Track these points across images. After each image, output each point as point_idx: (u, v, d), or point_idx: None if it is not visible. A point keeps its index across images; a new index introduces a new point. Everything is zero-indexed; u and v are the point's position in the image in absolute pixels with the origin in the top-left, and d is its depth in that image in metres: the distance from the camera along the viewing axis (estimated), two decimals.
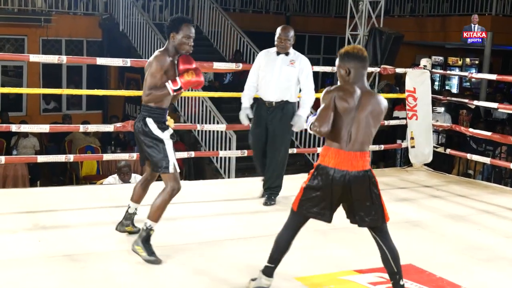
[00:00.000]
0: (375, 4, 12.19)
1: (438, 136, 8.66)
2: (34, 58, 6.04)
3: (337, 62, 3.59)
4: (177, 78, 4.06)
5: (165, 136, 4.10)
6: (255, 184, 6.56)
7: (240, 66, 6.46)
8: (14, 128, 5.89)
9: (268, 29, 17.51)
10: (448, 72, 16.61)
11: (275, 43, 5.61)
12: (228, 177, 10.42)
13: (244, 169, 10.94)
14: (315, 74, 18.88)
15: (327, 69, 7.34)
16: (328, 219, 3.63)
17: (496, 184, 7.67)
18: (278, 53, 5.64)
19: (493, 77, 7.38)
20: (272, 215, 5.29)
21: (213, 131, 11.14)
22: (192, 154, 6.69)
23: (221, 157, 11.01)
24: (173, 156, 4.11)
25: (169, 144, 4.11)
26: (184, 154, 6.76)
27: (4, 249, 4.18)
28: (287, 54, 5.65)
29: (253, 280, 3.73)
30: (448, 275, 4.06)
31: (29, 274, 3.79)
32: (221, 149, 10.89)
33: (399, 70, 7.86)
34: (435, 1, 16.27)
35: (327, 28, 18.03)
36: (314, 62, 20.08)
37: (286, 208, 5.41)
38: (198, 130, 11.62)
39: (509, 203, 6.14)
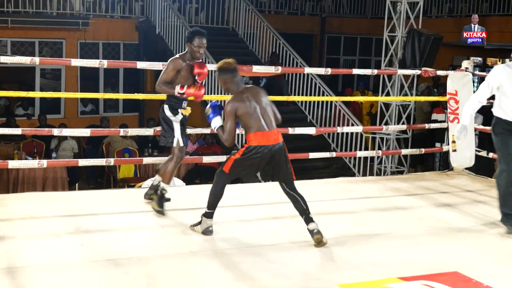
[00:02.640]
0: (413, 4, 12.03)
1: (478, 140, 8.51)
2: (76, 62, 6.09)
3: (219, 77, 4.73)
4: (185, 86, 5.00)
5: (175, 119, 5.12)
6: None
7: (279, 70, 6.42)
8: (56, 132, 5.95)
9: (304, 30, 17.65)
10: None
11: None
12: (264, 181, 10.38)
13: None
14: (351, 76, 18.76)
15: (367, 71, 7.24)
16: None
17: None
18: None
19: None
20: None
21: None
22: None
23: None
24: (178, 133, 5.11)
25: (177, 125, 5.12)
26: (223, 158, 6.73)
27: (48, 253, 4.21)
28: None
29: (195, 225, 4.73)
30: (495, 284, 3.96)
31: (72, 279, 3.81)
32: None
33: (440, 73, 7.73)
34: (474, 1, 16.01)
35: (363, 29, 17.90)
36: (349, 64, 20.04)
37: (323, 213, 5.38)
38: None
39: None
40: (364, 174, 11.20)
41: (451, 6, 16.71)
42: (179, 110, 5.13)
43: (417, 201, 6.06)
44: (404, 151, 9.47)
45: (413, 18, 11.86)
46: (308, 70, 7.82)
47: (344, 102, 12.67)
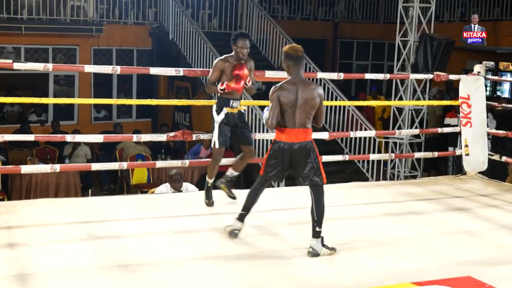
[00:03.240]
0: (425, 9, 12.00)
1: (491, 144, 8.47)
2: (89, 68, 6.13)
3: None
4: (225, 82, 5.29)
5: (217, 120, 5.40)
6: (304, 193, 6.52)
7: None
8: (68, 138, 5.98)
9: (317, 35, 17.66)
10: (504, 78, 16.25)
11: None
12: (278, 186, 10.39)
13: (292, 177, 10.87)
14: (363, 81, 18.72)
15: (380, 76, 7.23)
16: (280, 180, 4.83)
17: None
18: None
19: None
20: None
21: (261, 139, 11.13)
22: None
23: None
24: (216, 135, 5.41)
25: (216, 126, 5.40)
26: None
27: (61, 259, 4.23)
28: None
29: (228, 225, 4.78)
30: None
31: (85, 285, 3.83)
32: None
33: (452, 77, 7.71)
34: (486, 5, 15.95)
35: (376, 34, 17.87)
36: (362, 69, 20.05)
37: (337, 218, 5.37)
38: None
39: None
40: (378, 179, 11.16)
41: (463, 11, 16.66)
42: (225, 108, 5.38)
43: (430, 205, 6.03)
44: (417, 155, 9.45)
45: (425, 23, 11.83)
46: (320, 75, 7.87)
47: (357, 107, 12.65)
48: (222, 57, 5.43)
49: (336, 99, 12.71)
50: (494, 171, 7.88)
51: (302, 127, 4.55)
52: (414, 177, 11.37)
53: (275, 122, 4.55)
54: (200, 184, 9.77)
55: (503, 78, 16.27)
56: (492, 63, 18.87)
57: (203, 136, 6.35)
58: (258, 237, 4.86)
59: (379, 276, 4.12)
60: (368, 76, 7.38)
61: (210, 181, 5.63)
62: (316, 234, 4.50)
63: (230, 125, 5.43)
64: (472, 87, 7.15)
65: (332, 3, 18.07)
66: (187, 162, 6.43)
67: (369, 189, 6.87)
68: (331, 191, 6.56)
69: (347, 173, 11.79)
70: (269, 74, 6.29)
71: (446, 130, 8.20)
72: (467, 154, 7.20)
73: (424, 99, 12.20)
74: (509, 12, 15.35)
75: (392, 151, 11.78)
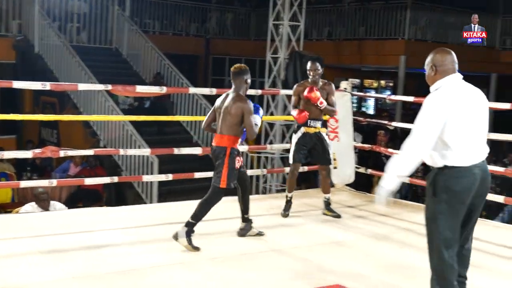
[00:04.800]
0: (294, 28, 12.39)
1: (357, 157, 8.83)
2: None
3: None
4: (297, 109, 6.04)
5: (294, 138, 6.14)
6: (180, 208, 6.47)
7: (164, 89, 6.37)
8: None
9: (189, 51, 17.67)
10: (368, 94, 17.06)
11: None
12: (150, 202, 10.25)
13: (166, 193, 10.80)
14: None
15: (251, 92, 7.30)
16: None
17: (413, 202, 7.87)
18: None
19: (411, 99, 7.59)
20: (198, 239, 5.22)
21: (134, 156, 10.95)
22: (115, 179, 6.49)
23: (143, 182, 10.83)
24: (291, 151, 6.15)
25: (293, 144, 6.12)
26: (107, 180, 6.58)
27: None
28: None
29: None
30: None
31: None
32: (142, 173, 10.72)
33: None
34: (351, 25, 16.70)
35: (247, 51, 18.17)
36: None
37: (210, 233, 5.37)
38: (119, 155, 11.41)
39: None
40: (250, 193, 11.27)
41: (330, 30, 17.34)
42: (302, 128, 6.02)
43: (301, 217, 6.18)
44: (288, 169, 9.63)
45: (294, 41, 12.20)
46: (192, 90, 7.88)
47: None
48: (301, 81, 6.17)
49: None
50: (361, 184, 8.22)
51: (219, 132, 5.00)
52: (285, 191, 11.60)
53: (204, 125, 5.25)
54: (69, 203, 9.44)
55: (368, 94, 17.07)
56: (358, 80, 19.80)
57: (72, 153, 6.13)
58: (128, 254, 4.75)
59: None
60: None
61: (289, 195, 6.20)
62: (187, 223, 4.86)
63: (307, 143, 6.02)
64: (339, 103, 7.40)
65: (204, 19, 18.20)
66: (54, 182, 6.19)
67: None
68: None
69: None
70: (140, 89, 6.19)
71: None
72: (335, 167, 7.45)
73: None
74: (373, 32, 16.15)
75: (264, 166, 12.00)
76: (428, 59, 3.58)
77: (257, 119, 5.09)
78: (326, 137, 6.14)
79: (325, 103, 5.91)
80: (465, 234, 3.62)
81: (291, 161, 6.07)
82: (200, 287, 4.15)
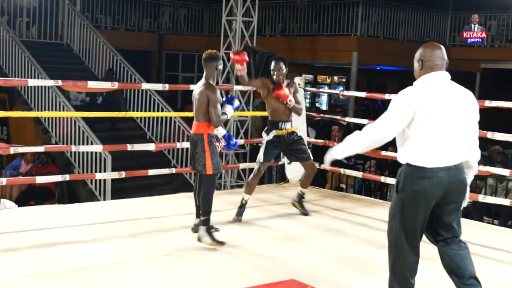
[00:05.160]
0: (247, 23, 12.41)
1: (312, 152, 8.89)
2: None
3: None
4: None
5: (265, 138, 5.99)
6: (133, 205, 6.43)
7: (115, 85, 6.30)
8: None
9: (142, 47, 17.52)
10: (321, 90, 17.19)
11: None
12: (104, 199, 10.13)
13: (120, 190, 10.70)
14: (190, 93, 18.89)
15: None
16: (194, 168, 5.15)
17: (367, 197, 8.00)
18: None
19: (363, 94, 7.70)
20: (152, 236, 5.20)
21: (87, 152, 10.81)
22: (67, 177, 6.38)
23: (96, 179, 10.70)
24: (261, 151, 6.03)
25: (264, 144, 6.01)
26: (58, 178, 6.47)
27: None
28: None
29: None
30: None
31: None
32: (95, 171, 10.59)
33: None
34: (304, 21, 16.81)
35: (201, 47, 18.02)
36: (188, 80, 20.23)
37: (165, 229, 5.35)
38: (71, 151, 11.26)
39: (381, 215, 6.39)
40: None
41: (283, 26, 17.42)
42: (274, 131, 5.94)
43: (256, 213, 6.20)
44: (243, 165, 9.70)
45: (248, 36, 12.22)
46: (145, 85, 7.84)
47: (184, 119, 12.74)
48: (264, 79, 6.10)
49: (162, 111, 12.70)
50: (315, 178, 8.27)
51: (196, 120, 5.01)
52: (240, 186, 11.63)
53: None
54: (21, 200, 9.27)
55: (321, 90, 17.21)
56: (311, 76, 19.94)
57: (22, 150, 6.01)
58: (82, 252, 4.69)
59: (207, 285, 4.15)
60: (193, 87, 7.41)
61: (246, 197, 5.92)
62: (202, 222, 4.90)
63: (279, 145, 5.97)
64: None
65: (156, 15, 18.05)
66: (4, 180, 6.05)
67: None
68: (159, 202, 6.58)
69: (175, 184, 11.81)
70: (92, 85, 6.11)
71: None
72: (289, 163, 7.49)
73: (248, 110, 12.57)
74: (326, 28, 16.29)
75: None
76: (417, 53, 3.49)
77: (228, 109, 5.10)
78: (299, 133, 6.08)
79: (293, 101, 5.88)
80: (445, 234, 3.51)
81: (260, 159, 5.95)
82: (154, 284, 4.13)
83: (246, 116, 12.45)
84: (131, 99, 13.34)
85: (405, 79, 21.86)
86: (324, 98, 21.32)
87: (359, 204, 6.93)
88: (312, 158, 6.17)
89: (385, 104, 19.61)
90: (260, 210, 6.36)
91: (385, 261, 4.81)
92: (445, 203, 3.41)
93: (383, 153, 7.38)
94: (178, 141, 11.95)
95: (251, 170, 11.80)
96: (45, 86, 11.65)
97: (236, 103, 5.24)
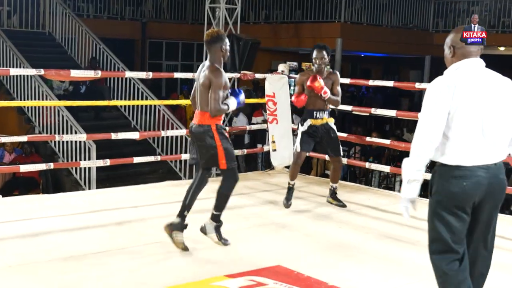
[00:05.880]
0: (231, 11, 12.36)
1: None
2: None
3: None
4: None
5: (301, 129, 5.91)
6: (118, 194, 6.42)
7: (99, 74, 6.26)
8: None
9: (125, 35, 17.40)
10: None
11: None
12: (89, 188, 10.10)
13: (105, 179, 10.67)
14: (174, 82, 18.86)
15: (189, 75, 7.28)
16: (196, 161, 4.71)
17: (352, 183, 8.03)
18: None
19: (347, 81, 7.69)
20: (138, 224, 5.20)
21: (71, 141, 10.76)
22: (51, 165, 6.36)
23: (80, 168, 10.66)
24: (298, 141, 5.91)
25: (299, 134, 5.89)
26: (42, 166, 6.44)
27: None
28: None
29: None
30: (315, 274, 4.17)
31: None
32: (80, 160, 10.55)
33: (258, 76, 8.00)
34: (288, 8, 16.79)
35: (185, 35, 18.04)
36: (172, 69, 20.13)
37: (150, 218, 5.35)
38: (55, 141, 11.19)
39: (366, 201, 6.45)
40: (190, 178, 11.28)
41: (267, 13, 17.39)
42: (308, 120, 5.83)
43: (242, 200, 6.21)
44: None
45: (231, 24, 12.19)
46: (129, 74, 7.79)
47: (169, 108, 12.70)
48: (304, 71, 6.02)
49: (146, 99, 12.65)
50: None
51: (200, 109, 4.54)
52: None
53: (192, 103, 4.76)
54: (5, 191, 9.21)
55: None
56: (295, 63, 19.99)
57: (5, 139, 5.97)
58: (69, 241, 4.68)
59: (193, 271, 4.16)
60: (177, 75, 7.42)
61: (291, 182, 5.94)
62: (212, 216, 4.60)
63: (315, 135, 5.83)
64: (277, 86, 7.47)
65: (139, 2, 17.93)
66: None
67: (182, 187, 6.81)
68: (144, 191, 6.57)
69: (160, 173, 11.79)
70: (75, 74, 6.07)
71: (254, 127, 8.49)
72: (274, 150, 7.51)
73: None
74: (309, 15, 16.29)
75: None
76: (448, 39, 3.20)
77: (231, 101, 4.54)
78: (334, 128, 5.92)
79: (329, 93, 5.68)
80: (473, 250, 3.16)
81: (298, 149, 5.84)
82: (140, 272, 4.13)
83: None
84: (114, 88, 13.28)
85: (389, 65, 22.08)
86: None
87: (344, 190, 6.94)
88: (342, 153, 6.04)
89: (369, 90, 19.74)
90: (245, 197, 6.37)
91: (370, 246, 4.87)
92: (483, 206, 3.08)
93: (368, 139, 7.43)
94: (163, 129, 11.91)
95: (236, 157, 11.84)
96: (27, 76, 11.55)
97: (242, 98, 4.67)
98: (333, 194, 6.14)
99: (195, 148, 4.65)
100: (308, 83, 5.63)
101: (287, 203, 5.91)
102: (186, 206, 4.60)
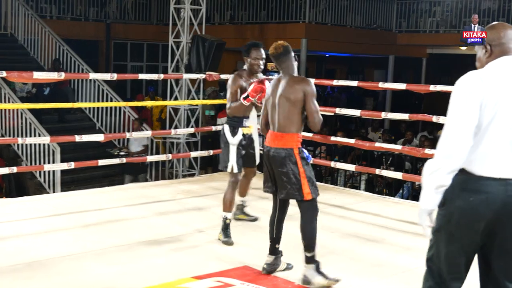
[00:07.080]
0: (196, 11, 12.34)
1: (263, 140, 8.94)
2: None
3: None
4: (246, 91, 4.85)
5: (233, 142, 4.99)
6: (83, 196, 6.36)
7: (62, 75, 6.19)
8: None
9: (89, 36, 17.24)
10: (271, 77, 17.13)
11: None
12: (53, 192, 9.99)
13: (69, 182, 10.57)
14: (139, 83, 18.73)
15: (154, 76, 7.24)
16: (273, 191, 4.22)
17: (318, 182, 8.06)
18: None
19: (312, 81, 7.75)
20: (103, 227, 5.16)
21: (35, 144, 10.62)
22: (14, 169, 6.25)
23: (44, 171, 10.53)
24: (234, 159, 4.97)
25: (233, 149, 4.98)
26: (5, 170, 6.34)
27: None
28: None
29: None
30: (282, 273, 4.20)
31: None
32: (44, 163, 10.41)
33: (224, 77, 7.99)
34: (253, 9, 16.80)
35: (149, 36, 17.93)
36: (137, 70, 19.98)
37: (116, 220, 5.32)
38: (18, 144, 11.04)
39: (331, 200, 6.50)
40: (157, 179, 11.24)
41: (232, 14, 17.38)
42: (240, 129, 5.03)
43: (208, 201, 6.21)
44: (194, 154, 9.68)
45: (196, 25, 12.16)
46: (93, 75, 7.72)
47: (135, 109, 12.63)
48: (236, 73, 5.14)
49: (111, 101, 12.56)
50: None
51: (278, 129, 4.04)
52: (192, 175, 11.63)
53: (262, 124, 4.21)
54: None
55: (270, 77, 17.22)
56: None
57: None
58: (32, 246, 4.62)
59: (161, 274, 4.15)
60: (142, 76, 7.36)
61: (229, 215, 4.97)
62: (307, 260, 4.01)
63: (244, 147, 5.09)
64: None
65: (103, 3, 17.76)
66: None
67: (148, 189, 6.88)
68: (109, 193, 6.53)
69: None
70: (38, 76, 5.99)
71: (219, 128, 8.47)
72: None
73: (199, 99, 12.54)
74: (274, 15, 16.32)
75: (170, 151, 11.97)
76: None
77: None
78: (255, 136, 5.36)
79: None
80: (494, 283, 2.62)
81: (235, 170, 5.00)
82: (105, 275, 4.11)
83: (197, 105, 12.41)
84: (79, 90, 13.14)
85: (353, 65, 22.27)
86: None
87: None
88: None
89: (334, 90, 19.89)
90: (212, 198, 6.37)
91: (335, 245, 4.90)
92: (501, 233, 2.54)
93: (333, 138, 7.49)
94: (128, 131, 11.84)
95: (202, 158, 11.85)
96: None
97: (311, 159, 4.22)
98: (243, 209, 5.62)
99: (270, 175, 4.15)
100: (255, 88, 4.86)
101: (229, 241, 4.91)
102: (276, 239, 4.25)
